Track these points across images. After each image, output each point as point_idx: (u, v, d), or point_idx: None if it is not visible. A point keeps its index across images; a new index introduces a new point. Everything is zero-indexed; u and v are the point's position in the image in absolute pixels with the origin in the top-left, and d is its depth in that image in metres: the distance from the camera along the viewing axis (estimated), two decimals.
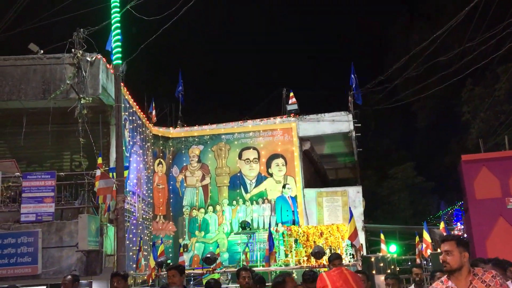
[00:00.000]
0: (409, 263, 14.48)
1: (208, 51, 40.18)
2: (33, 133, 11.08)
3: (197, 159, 15.50)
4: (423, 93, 18.94)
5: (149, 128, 14.54)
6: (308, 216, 14.35)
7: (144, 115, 14.01)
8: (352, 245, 10.46)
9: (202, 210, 15.08)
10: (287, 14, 45.56)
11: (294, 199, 14.51)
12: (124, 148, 10.37)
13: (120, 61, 9.93)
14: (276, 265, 11.07)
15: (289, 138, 15.10)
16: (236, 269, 6.65)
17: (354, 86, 15.33)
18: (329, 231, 12.04)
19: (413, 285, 7.19)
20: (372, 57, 35.02)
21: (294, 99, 15.53)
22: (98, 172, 9.32)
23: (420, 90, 18.13)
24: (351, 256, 11.41)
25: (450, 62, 15.28)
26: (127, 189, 11.08)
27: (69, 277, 6.46)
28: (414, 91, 18.59)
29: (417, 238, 11.24)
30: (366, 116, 23.21)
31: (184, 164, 15.52)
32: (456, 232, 18.85)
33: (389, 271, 10.93)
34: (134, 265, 10.71)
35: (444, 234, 11.28)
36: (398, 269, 12.43)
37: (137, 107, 13.22)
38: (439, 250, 10.37)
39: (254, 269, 7.96)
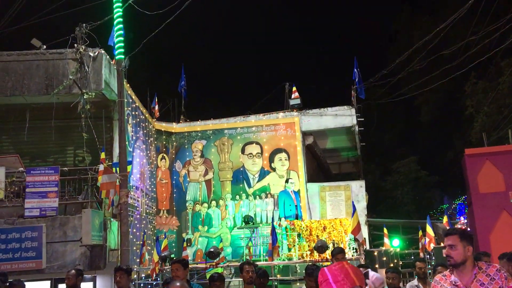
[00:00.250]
0: (412, 257, 14.46)
1: (211, 46, 40.14)
2: (36, 128, 11.10)
3: (200, 154, 15.51)
4: (426, 87, 18.87)
5: (152, 123, 14.55)
6: (311, 211, 14.36)
7: (147, 110, 14.02)
8: (355, 239, 10.46)
9: (205, 204, 15.11)
10: (289, 10, 45.43)
11: (297, 193, 14.51)
12: (127, 143, 10.38)
13: (122, 56, 9.92)
14: (279, 259, 11.09)
15: (292, 132, 15.09)
16: (239, 263, 6.66)
17: (357, 80, 15.28)
18: (332, 226, 12.04)
19: (416, 279, 7.19)
20: (375, 51, 34.87)
21: (297, 94, 15.50)
22: (101, 167, 9.33)
23: (423, 84, 18.06)
24: (354, 251, 11.42)
25: (454, 56, 15.22)
26: (131, 184, 11.11)
27: (73, 271, 6.50)
28: (417, 85, 18.53)
29: (420, 232, 11.22)
30: (369, 111, 23.19)
31: (187, 159, 15.55)
32: (459, 226, 18.84)
33: (392, 265, 10.94)
34: (138, 260, 10.75)
35: (448, 228, 11.28)
36: (401, 263, 12.45)
37: (140, 102, 13.23)
38: (442, 244, 10.34)
39: (257, 263, 7.99)
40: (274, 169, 15.03)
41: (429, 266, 9.23)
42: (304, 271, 5.70)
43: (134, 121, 12.38)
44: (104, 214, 9.75)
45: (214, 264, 10.57)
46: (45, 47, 10.54)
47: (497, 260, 6.19)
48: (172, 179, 15.28)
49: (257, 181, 15.05)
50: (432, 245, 10.47)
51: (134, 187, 11.82)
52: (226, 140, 15.46)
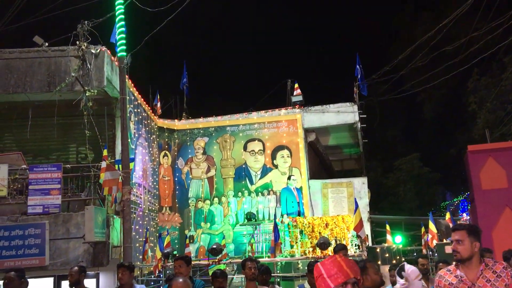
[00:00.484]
0: (415, 254, 14.44)
1: (212, 43, 40.14)
2: (39, 126, 11.13)
3: (202, 151, 15.52)
4: (429, 84, 18.81)
5: (154, 120, 14.56)
6: (313, 207, 14.37)
7: (149, 108, 14.03)
8: (358, 236, 10.46)
9: (208, 201, 15.13)
10: (289, 10, 45.35)
11: (299, 190, 14.51)
12: (129, 140, 10.40)
13: (124, 53, 9.92)
14: (282, 256, 11.10)
15: (294, 129, 15.08)
16: (241, 260, 6.67)
17: (359, 77, 15.26)
18: (334, 222, 12.04)
19: None
20: (376, 50, 34.76)
21: (299, 90, 15.49)
22: (103, 164, 9.35)
23: (425, 81, 18.00)
24: (357, 247, 11.43)
25: (456, 52, 15.13)
26: (133, 181, 11.12)
27: (76, 268, 6.51)
28: (420, 82, 18.46)
29: (423, 229, 11.22)
30: (372, 107, 23.13)
31: (190, 156, 15.56)
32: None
33: (394, 261, 10.93)
34: (141, 256, 10.78)
35: (450, 224, 11.27)
36: (403, 259, 12.43)
37: (142, 99, 13.23)
38: (445, 241, 10.33)
39: (259, 260, 8.01)
40: (276, 166, 15.03)
41: (432, 263, 9.23)
42: (306, 268, 5.70)
43: (136, 118, 12.39)
44: (107, 211, 9.78)
45: (216, 260, 10.59)
46: (47, 44, 10.54)
47: (499, 257, 6.18)
48: (174, 176, 15.30)
49: (259, 178, 15.06)
50: (434, 242, 10.47)
51: (136, 184, 11.84)
52: (228, 137, 15.46)
